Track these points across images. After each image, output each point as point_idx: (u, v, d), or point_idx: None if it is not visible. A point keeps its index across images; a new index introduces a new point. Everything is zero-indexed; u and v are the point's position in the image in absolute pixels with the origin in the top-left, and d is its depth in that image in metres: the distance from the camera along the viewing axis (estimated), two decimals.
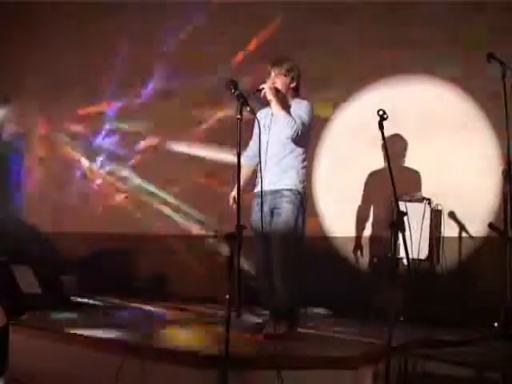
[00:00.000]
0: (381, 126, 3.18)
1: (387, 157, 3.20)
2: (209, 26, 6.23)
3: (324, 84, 5.37)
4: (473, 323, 4.16)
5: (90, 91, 7.20)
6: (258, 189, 3.82)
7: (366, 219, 5.17)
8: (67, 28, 7.31)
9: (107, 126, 7.19)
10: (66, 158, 7.54)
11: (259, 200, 3.71)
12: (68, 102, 7.34)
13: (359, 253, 5.10)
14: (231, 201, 3.95)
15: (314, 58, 5.38)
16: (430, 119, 4.98)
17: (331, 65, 5.46)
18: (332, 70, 5.44)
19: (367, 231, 5.18)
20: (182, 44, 6.47)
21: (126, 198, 6.94)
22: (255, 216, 3.76)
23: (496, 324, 3.94)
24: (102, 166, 7.23)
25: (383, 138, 3.19)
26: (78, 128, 7.43)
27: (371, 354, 3.23)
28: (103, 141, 7.23)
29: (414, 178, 4.98)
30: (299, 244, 3.78)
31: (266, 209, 3.77)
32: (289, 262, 3.69)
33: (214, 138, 6.13)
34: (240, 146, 3.17)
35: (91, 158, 7.31)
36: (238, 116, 3.18)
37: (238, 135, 3.13)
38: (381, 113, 3.17)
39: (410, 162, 5.05)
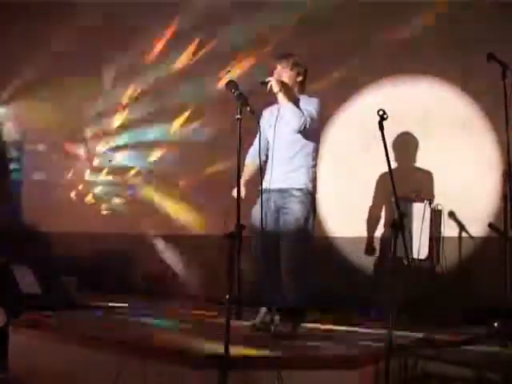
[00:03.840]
0: (381, 126, 3.18)
1: (387, 157, 3.20)
2: None
3: (325, 83, 5.37)
4: (473, 323, 4.16)
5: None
6: (261, 186, 3.79)
7: (377, 220, 5.14)
8: (68, 27, 7.32)
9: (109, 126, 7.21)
10: (66, 157, 7.55)
11: (263, 197, 3.70)
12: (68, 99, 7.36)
13: (372, 253, 5.10)
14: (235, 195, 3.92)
15: (314, 58, 5.39)
16: (430, 119, 4.98)
17: (332, 65, 5.46)
18: (333, 70, 5.45)
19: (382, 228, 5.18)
20: None
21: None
22: (258, 214, 3.68)
23: (496, 324, 3.93)
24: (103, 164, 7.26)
25: (383, 138, 3.18)
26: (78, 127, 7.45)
27: (371, 354, 3.23)
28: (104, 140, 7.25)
29: (426, 178, 4.95)
30: (309, 244, 3.77)
31: (272, 206, 3.75)
32: (299, 262, 3.68)
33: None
34: (240, 145, 3.15)
35: (92, 156, 7.34)
36: (238, 116, 3.16)
37: (238, 135, 3.11)
38: (381, 113, 3.16)
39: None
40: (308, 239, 3.76)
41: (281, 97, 3.69)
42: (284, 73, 3.82)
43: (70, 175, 7.53)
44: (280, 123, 3.78)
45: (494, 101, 4.06)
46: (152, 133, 6.79)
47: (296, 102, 3.74)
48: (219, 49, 6.14)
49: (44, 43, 7.42)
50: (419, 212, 4.59)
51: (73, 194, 7.43)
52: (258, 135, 3.80)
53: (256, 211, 3.73)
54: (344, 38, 5.39)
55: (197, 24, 6.26)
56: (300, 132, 3.70)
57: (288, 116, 3.69)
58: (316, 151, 3.86)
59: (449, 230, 4.74)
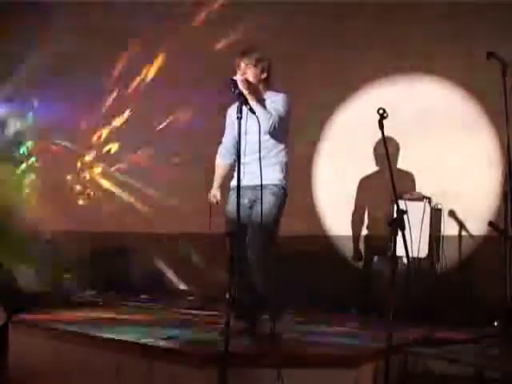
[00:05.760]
0: (381, 125, 3.18)
1: (387, 156, 3.20)
2: None
3: (324, 83, 5.37)
4: (473, 323, 4.16)
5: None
6: (234, 182, 3.58)
7: (361, 224, 5.18)
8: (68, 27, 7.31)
9: (108, 125, 7.21)
10: (66, 156, 7.56)
11: (235, 195, 3.63)
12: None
13: (359, 258, 5.14)
14: (212, 199, 3.90)
15: (314, 58, 5.40)
16: (430, 118, 4.97)
17: (332, 64, 5.46)
18: (332, 70, 5.45)
19: (366, 230, 5.19)
20: None
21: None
22: (232, 208, 3.56)
23: (496, 324, 3.93)
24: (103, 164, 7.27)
25: (383, 137, 3.18)
26: (79, 127, 7.45)
27: (371, 353, 3.23)
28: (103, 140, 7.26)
29: (409, 179, 4.99)
30: (276, 236, 3.69)
31: (245, 203, 3.63)
32: (267, 254, 3.58)
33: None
34: (240, 145, 3.13)
35: (92, 156, 7.34)
36: (238, 115, 3.13)
37: (238, 135, 3.10)
38: (381, 112, 3.16)
39: (411, 161, 5.05)
40: (275, 232, 3.67)
41: (247, 97, 3.48)
42: (248, 69, 3.67)
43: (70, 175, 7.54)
44: (247, 122, 3.51)
45: (495, 100, 4.06)
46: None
47: (263, 102, 3.64)
48: None
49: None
50: (419, 211, 4.59)
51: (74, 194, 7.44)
52: (229, 132, 3.80)
53: (231, 207, 3.61)
54: (344, 38, 5.39)
55: None
56: (269, 133, 3.60)
57: (255, 118, 3.44)
58: (287, 148, 3.75)
59: (449, 228, 4.75)
